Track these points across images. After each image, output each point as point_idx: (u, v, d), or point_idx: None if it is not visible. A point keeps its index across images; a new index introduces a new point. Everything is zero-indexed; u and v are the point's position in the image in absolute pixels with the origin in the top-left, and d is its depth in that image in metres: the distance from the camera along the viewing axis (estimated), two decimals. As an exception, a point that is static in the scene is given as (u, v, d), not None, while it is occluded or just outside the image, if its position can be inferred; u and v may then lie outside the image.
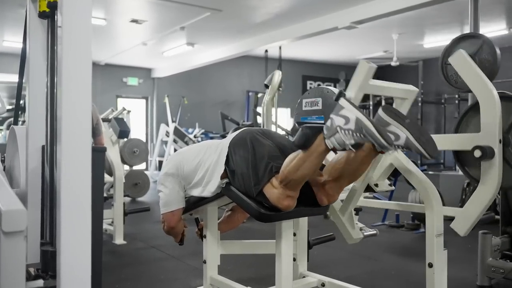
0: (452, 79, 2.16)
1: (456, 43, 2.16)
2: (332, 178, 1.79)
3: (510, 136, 1.89)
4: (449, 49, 2.16)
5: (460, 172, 5.30)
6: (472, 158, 1.79)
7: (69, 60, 1.11)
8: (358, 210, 2.22)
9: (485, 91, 1.83)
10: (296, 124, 1.67)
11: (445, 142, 1.99)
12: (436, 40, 9.48)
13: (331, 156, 3.56)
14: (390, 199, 4.38)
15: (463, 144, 1.89)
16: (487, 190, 1.79)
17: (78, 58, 1.12)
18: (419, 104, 10.76)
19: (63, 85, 1.11)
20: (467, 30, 8.64)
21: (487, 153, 1.70)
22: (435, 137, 1.79)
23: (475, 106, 1.91)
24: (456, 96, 9.51)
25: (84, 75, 1.15)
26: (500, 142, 1.79)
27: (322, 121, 1.68)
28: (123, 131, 4.60)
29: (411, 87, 2.00)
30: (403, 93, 1.98)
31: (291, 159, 1.67)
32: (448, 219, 1.92)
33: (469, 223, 1.83)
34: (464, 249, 3.51)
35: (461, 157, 2.03)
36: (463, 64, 1.90)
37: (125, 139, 6.24)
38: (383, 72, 12.92)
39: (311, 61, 12.48)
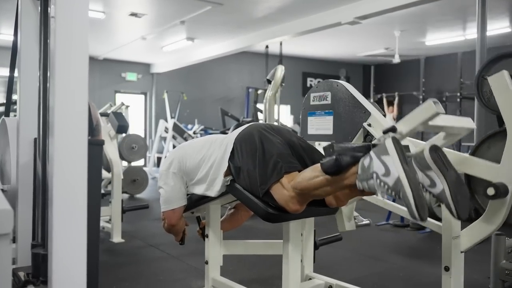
0: (485, 96, 1.97)
1: (500, 59, 1.98)
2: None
3: None
4: (491, 64, 1.99)
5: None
6: (483, 187, 1.68)
7: (62, 54, 1.00)
8: None
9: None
10: (331, 147, 1.45)
11: (461, 163, 1.80)
12: (438, 38, 9.39)
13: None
14: (394, 200, 4.27)
15: (479, 171, 1.75)
16: (487, 227, 1.71)
17: (72, 51, 1.02)
18: (420, 102, 10.68)
19: (56, 78, 1.00)
20: (470, 27, 8.57)
21: (501, 193, 1.57)
22: (452, 154, 1.69)
23: (502, 133, 1.74)
24: (458, 94, 9.41)
25: (79, 67, 1.04)
26: None
27: (359, 154, 1.45)
28: (121, 126, 4.48)
29: (470, 124, 1.71)
30: (461, 130, 1.72)
31: (312, 176, 1.52)
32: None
33: (463, 246, 1.82)
34: (473, 250, 3.40)
35: (472, 180, 1.89)
36: (502, 88, 1.69)
37: (124, 135, 6.14)
38: (385, 69, 12.88)
39: (312, 57, 12.38)
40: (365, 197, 2.06)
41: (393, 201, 1.36)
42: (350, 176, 1.43)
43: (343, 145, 1.46)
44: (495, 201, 1.66)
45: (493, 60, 2.00)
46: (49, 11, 1.36)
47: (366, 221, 2.27)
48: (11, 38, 1.87)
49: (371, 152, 1.38)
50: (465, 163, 1.79)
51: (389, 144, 1.34)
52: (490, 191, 1.54)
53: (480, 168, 1.75)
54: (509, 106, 1.68)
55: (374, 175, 1.35)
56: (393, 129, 1.41)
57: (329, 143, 1.44)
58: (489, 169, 1.70)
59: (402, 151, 1.34)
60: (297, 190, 1.58)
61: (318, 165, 1.50)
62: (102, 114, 4.66)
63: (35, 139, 1.38)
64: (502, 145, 1.71)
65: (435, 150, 1.37)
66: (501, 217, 1.68)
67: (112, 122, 4.46)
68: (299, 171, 1.69)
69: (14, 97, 2.09)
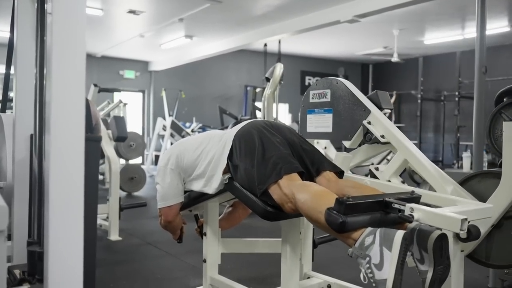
0: (495, 133, 1.96)
1: None
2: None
3: (505, 221, 1.73)
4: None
5: (462, 170, 5.13)
6: None
7: (58, 51, 0.98)
8: None
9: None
10: (343, 206, 1.37)
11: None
12: (436, 37, 9.39)
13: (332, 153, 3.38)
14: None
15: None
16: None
17: (69, 48, 1.00)
18: (419, 101, 10.69)
19: (53, 74, 0.99)
20: (468, 26, 8.56)
21: (473, 236, 1.54)
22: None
23: (497, 174, 1.73)
24: (456, 93, 9.42)
25: (76, 64, 1.02)
26: (492, 226, 1.69)
27: (368, 219, 1.41)
28: (120, 137, 4.44)
29: (489, 213, 1.66)
30: None
31: (315, 209, 1.45)
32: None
33: None
34: (471, 249, 3.41)
35: None
36: None
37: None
38: (383, 68, 12.88)
39: (310, 56, 12.37)
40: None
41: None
42: (347, 239, 1.40)
43: (356, 202, 1.38)
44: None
45: None
46: (46, 8, 1.35)
47: None
48: (7, 34, 1.85)
49: (377, 233, 1.33)
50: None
51: (397, 242, 1.28)
52: (463, 234, 1.52)
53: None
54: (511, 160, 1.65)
55: (367, 258, 1.32)
56: (409, 221, 1.38)
57: (344, 198, 1.37)
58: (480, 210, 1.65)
59: (405, 253, 1.29)
60: (296, 204, 1.54)
61: (326, 203, 1.43)
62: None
63: (31, 135, 1.37)
64: (492, 183, 1.71)
65: (441, 240, 1.33)
66: (466, 252, 1.72)
67: (112, 128, 4.42)
68: (299, 172, 1.67)
69: (11, 95, 2.08)
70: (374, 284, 1.30)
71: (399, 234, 1.29)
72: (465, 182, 1.85)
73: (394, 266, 1.27)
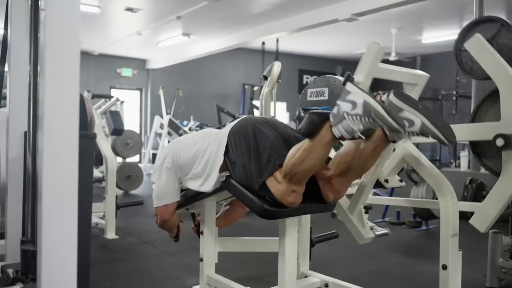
0: (467, 66, 2.02)
1: (472, 27, 2.01)
2: (340, 172, 1.65)
3: None
4: (464, 34, 2.01)
5: (460, 169, 5.14)
6: (491, 149, 1.67)
7: (52, 48, 0.97)
8: (367, 208, 2.09)
9: (505, 77, 1.68)
10: (302, 111, 1.53)
11: (462, 132, 1.82)
12: (434, 36, 9.40)
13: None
14: (390, 196, 4.26)
15: (482, 134, 1.75)
16: (509, 182, 1.66)
17: (62, 45, 0.98)
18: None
19: (46, 71, 0.97)
20: (466, 25, 8.57)
21: (510, 141, 1.56)
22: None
23: (495, 93, 1.77)
24: (454, 92, 9.42)
25: (70, 61, 1.00)
26: None
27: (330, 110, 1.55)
28: (117, 130, 4.43)
29: (421, 72, 1.87)
30: (413, 78, 1.86)
31: (296, 150, 1.55)
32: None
33: (489, 218, 1.70)
34: (469, 248, 3.40)
35: (478, 149, 1.88)
36: (481, 49, 1.76)
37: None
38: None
39: (308, 55, 12.36)
40: (370, 196, 2.04)
41: (366, 132, 1.45)
42: (326, 131, 1.48)
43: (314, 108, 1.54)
44: (508, 155, 1.64)
45: (466, 30, 2.03)
46: (39, 4, 1.33)
47: (384, 230, 2.20)
48: (1, 31, 1.83)
49: (337, 102, 1.46)
50: (467, 131, 1.81)
51: (349, 85, 1.44)
52: (500, 141, 1.54)
53: (482, 130, 1.76)
54: (492, 63, 1.72)
55: (345, 114, 1.42)
56: (349, 78, 1.53)
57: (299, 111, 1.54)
58: (491, 128, 1.71)
59: (363, 88, 1.44)
60: (288, 175, 1.56)
61: (299, 143, 1.56)
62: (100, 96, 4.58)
63: (25, 132, 1.35)
64: (498, 105, 1.72)
65: (399, 93, 1.46)
66: None
67: (108, 122, 4.40)
68: None
69: (5, 92, 2.06)
70: (366, 118, 1.38)
71: (347, 83, 1.47)
72: (474, 118, 1.88)
73: (360, 91, 1.41)
